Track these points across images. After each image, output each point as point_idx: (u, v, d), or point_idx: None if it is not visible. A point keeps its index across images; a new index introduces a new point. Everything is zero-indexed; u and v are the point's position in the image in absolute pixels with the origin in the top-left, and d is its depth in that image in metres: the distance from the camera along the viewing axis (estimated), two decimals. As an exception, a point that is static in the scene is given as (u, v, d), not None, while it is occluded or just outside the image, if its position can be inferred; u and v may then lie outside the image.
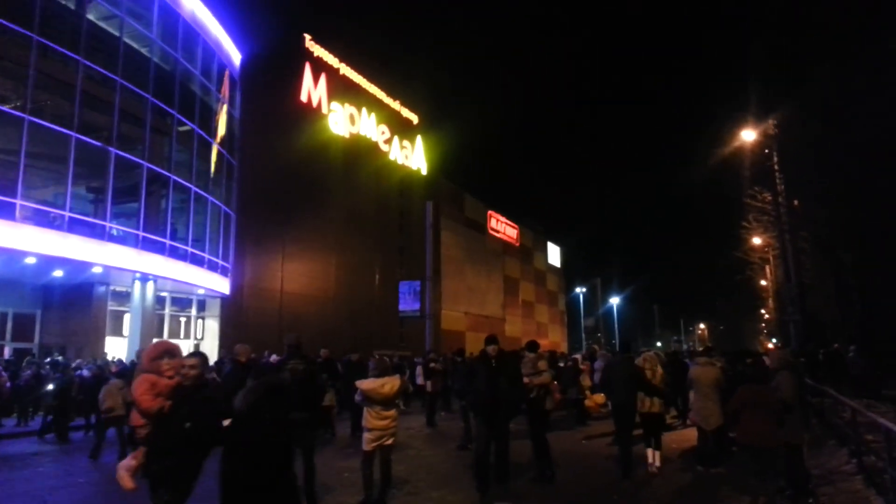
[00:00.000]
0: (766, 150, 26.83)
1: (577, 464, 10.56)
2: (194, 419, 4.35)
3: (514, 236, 66.50)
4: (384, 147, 44.57)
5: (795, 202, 28.22)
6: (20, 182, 18.05)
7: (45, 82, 19.10)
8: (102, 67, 20.85)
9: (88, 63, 20.16)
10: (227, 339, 28.11)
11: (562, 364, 16.44)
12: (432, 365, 17.14)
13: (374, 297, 40.09)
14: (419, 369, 19.56)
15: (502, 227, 63.42)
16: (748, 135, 26.29)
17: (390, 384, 7.63)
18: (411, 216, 47.05)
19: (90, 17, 20.86)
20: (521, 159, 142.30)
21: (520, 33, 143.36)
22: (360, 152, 40.96)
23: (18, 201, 18.04)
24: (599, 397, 14.95)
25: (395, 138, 45.76)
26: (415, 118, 49.35)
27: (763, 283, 46.87)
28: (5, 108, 18.10)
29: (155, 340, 5.52)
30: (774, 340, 52.68)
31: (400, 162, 46.38)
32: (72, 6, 20.43)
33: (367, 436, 7.62)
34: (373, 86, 43.61)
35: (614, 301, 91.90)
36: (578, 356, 19.25)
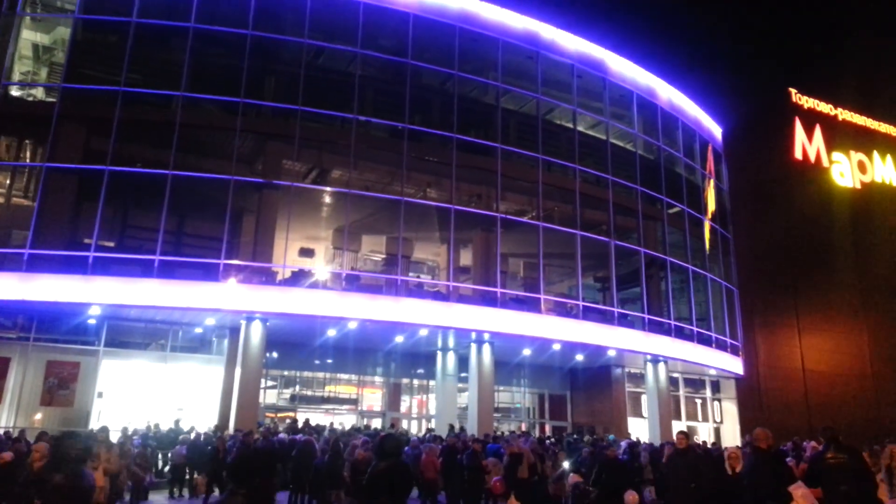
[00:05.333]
0: None
1: None
2: None
3: None
4: (912, 190, 36.82)
5: None
6: (541, 279, 21.28)
7: (551, 192, 22.45)
8: (594, 169, 23.45)
9: (583, 168, 22.93)
10: (747, 422, 26.49)
11: None
12: None
13: (931, 374, 32.06)
14: None
15: None
16: None
17: None
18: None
19: (580, 128, 23.84)
20: None
21: None
22: (877, 201, 34.97)
23: (542, 296, 21.19)
24: None
25: (926, 177, 37.35)
26: (953, 148, 39.49)
27: None
28: (525, 219, 21.82)
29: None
30: None
31: (938, 204, 37.36)
32: (567, 124, 23.76)
33: None
34: (884, 124, 37.13)
35: None
36: None
